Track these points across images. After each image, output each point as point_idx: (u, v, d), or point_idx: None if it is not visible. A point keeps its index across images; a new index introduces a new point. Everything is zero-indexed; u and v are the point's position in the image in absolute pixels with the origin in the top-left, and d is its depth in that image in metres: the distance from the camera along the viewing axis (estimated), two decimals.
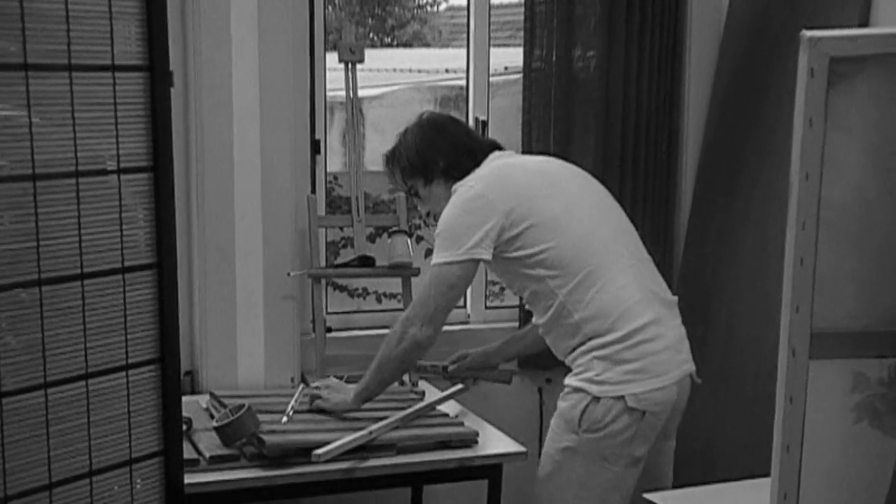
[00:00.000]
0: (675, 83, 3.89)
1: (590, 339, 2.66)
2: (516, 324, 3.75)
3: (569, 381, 2.70)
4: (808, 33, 1.67)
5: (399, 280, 3.51)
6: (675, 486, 2.82)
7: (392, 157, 2.99)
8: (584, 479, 2.66)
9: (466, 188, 2.78)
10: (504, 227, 2.71)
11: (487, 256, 2.72)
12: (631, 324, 2.65)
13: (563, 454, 2.68)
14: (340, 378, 3.13)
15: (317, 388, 2.97)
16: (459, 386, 3.24)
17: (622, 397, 2.61)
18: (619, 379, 2.62)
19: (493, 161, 2.88)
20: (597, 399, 2.62)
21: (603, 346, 2.64)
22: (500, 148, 2.96)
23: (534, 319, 2.84)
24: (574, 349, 2.70)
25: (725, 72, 3.90)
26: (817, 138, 1.69)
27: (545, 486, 2.72)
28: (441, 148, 2.90)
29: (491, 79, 3.88)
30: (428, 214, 3.27)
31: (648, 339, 2.66)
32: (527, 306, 2.87)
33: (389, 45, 4.91)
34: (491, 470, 2.88)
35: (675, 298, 2.84)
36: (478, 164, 2.87)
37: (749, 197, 3.70)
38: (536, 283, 2.73)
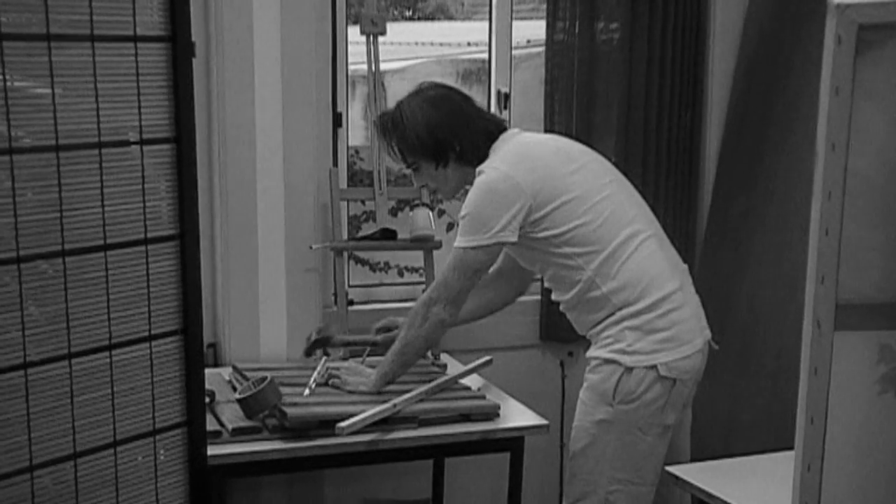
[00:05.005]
0: (698, 54, 3.85)
1: (619, 309, 2.66)
2: (538, 297, 3.75)
3: (597, 353, 2.70)
4: (835, 0, 1.65)
5: (421, 253, 3.51)
6: (696, 460, 2.82)
7: (393, 129, 2.85)
8: (620, 451, 2.67)
9: (491, 170, 2.73)
10: (532, 208, 2.68)
11: (514, 239, 2.70)
12: (659, 292, 2.66)
13: (598, 427, 2.68)
14: (361, 353, 3.14)
15: (336, 368, 2.96)
16: (484, 359, 3.24)
17: (654, 366, 2.63)
18: (651, 348, 2.63)
19: (510, 140, 2.83)
20: (629, 370, 2.63)
21: (634, 316, 2.65)
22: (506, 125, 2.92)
23: (553, 296, 2.83)
24: (601, 321, 2.70)
25: (750, 41, 3.86)
26: (844, 108, 1.67)
27: (580, 460, 2.72)
28: (457, 131, 2.80)
29: (513, 52, 3.86)
30: (434, 193, 3.16)
31: (676, 307, 2.68)
32: (547, 284, 2.85)
33: (411, 19, 4.88)
34: (513, 443, 2.88)
35: (686, 266, 2.85)
36: (493, 141, 2.82)
37: (774, 167, 3.67)
38: (562, 261, 2.71)
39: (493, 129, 2.85)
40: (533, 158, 2.76)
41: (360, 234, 3.79)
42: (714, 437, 3.70)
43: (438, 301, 2.76)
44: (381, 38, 3.45)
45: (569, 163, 2.77)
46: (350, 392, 2.86)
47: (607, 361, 2.67)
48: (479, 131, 2.83)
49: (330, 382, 2.91)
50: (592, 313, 2.72)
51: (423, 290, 3.39)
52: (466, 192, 2.82)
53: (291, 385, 2.86)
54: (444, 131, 2.80)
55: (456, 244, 2.75)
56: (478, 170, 2.77)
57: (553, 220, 2.69)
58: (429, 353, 3.24)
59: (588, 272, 2.68)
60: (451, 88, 2.94)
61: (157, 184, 2.10)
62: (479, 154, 2.81)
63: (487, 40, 3.86)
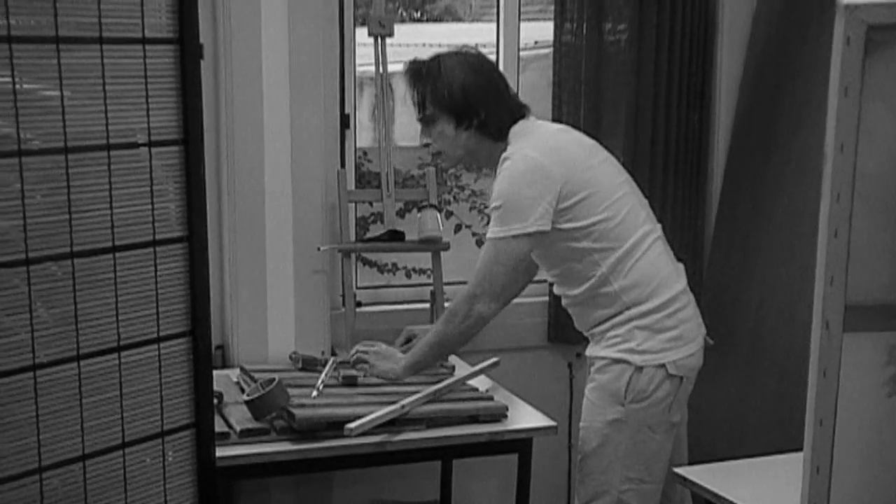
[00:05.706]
0: (706, 55, 3.85)
1: (628, 307, 2.68)
2: (546, 297, 3.74)
3: (604, 352, 2.71)
4: (844, 0, 1.64)
5: (429, 255, 3.50)
6: (702, 461, 2.82)
7: (427, 76, 2.84)
8: (632, 450, 2.69)
9: (522, 157, 2.71)
10: (560, 197, 2.67)
11: (548, 228, 2.68)
12: (669, 292, 2.70)
13: (611, 427, 2.69)
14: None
15: (364, 352, 2.94)
16: (492, 360, 3.24)
17: (663, 365, 2.65)
18: (660, 347, 2.66)
19: (532, 126, 2.82)
20: (640, 369, 2.65)
21: (643, 315, 2.67)
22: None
23: (556, 289, 2.83)
24: (608, 319, 2.70)
25: (758, 42, 3.86)
26: (853, 108, 1.67)
27: (593, 460, 2.73)
28: (489, 100, 2.79)
29: (521, 53, 3.85)
30: (436, 155, 3.08)
31: (683, 306, 2.72)
32: (553, 279, 2.84)
33: (419, 20, 4.89)
34: (521, 444, 2.88)
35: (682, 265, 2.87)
36: (515, 122, 2.80)
37: (782, 169, 3.67)
38: (579, 255, 2.71)
39: (516, 111, 2.84)
40: (559, 148, 2.75)
41: (368, 235, 3.79)
42: (721, 437, 3.69)
43: (482, 296, 2.72)
44: (388, 40, 3.45)
45: (590, 157, 2.78)
46: (376, 376, 2.87)
47: (616, 361, 2.68)
48: (506, 108, 2.82)
49: (357, 367, 2.90)
50: (599, 310, 2.73)
51: (431, 292, 3.41)
52: (483, 180, 2.81)
53: (299, 386, 2.86)
54: (477, 96, 2.78)
55: (492, 235, 2.70)
56: (504, 156, 2.75)
57: (576, 212, 2.69)
58: None
59: (602, 268, 2.69)
60: (489, 60, 2.93)
61: (166, 186, 2.10)
62: (500, 130, 2.79)
63: (495, 41, 3.86)
